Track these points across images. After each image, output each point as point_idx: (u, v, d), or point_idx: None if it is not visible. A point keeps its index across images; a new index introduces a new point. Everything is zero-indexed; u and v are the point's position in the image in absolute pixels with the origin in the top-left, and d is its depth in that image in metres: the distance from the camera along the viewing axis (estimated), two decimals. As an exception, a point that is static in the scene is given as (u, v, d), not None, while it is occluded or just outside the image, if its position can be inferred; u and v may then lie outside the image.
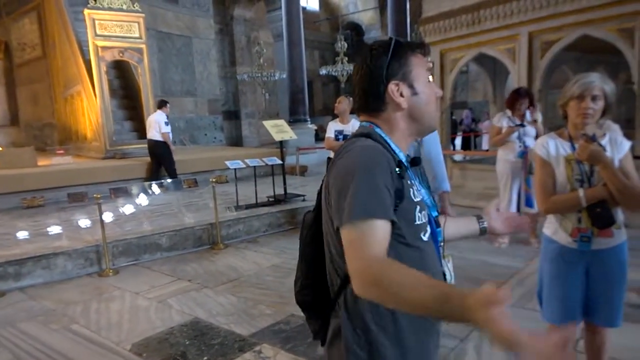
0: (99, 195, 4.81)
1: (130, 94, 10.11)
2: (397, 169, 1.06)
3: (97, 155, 8.89)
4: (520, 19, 6.23)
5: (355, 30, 25.34)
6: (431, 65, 1.17)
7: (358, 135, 1.15)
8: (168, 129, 8.02)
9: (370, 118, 1.18)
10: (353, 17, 24.89)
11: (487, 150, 9.68)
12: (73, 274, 4.61)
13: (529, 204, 4.89)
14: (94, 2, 8.50)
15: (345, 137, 4.95)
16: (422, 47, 1.18)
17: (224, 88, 18.71)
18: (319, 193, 1.21)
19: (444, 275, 1.23)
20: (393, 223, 1.02)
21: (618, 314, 2.05)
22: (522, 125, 4.76)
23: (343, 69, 18.86)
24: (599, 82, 1.94)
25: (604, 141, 2.00)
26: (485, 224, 1.40)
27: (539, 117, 4.93)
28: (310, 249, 1.21)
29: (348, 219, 0.99)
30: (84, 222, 5.58)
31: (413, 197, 1.10)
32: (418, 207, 1.11)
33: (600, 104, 1.95)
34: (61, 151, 8.79)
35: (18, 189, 6.79)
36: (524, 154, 4.78)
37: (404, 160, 1.14)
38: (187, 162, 8.76)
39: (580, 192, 1.95)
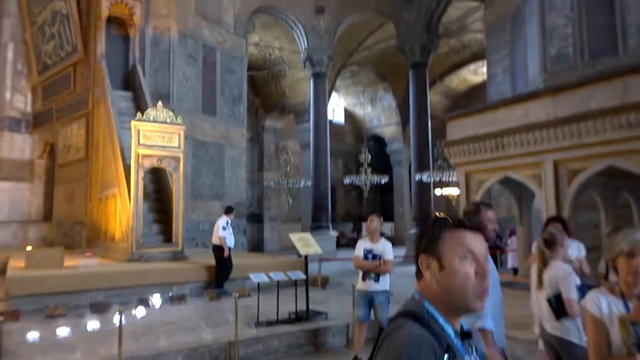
0: (121, 308, 4.76)
1: (162, 197, 10.44)
2: (445, 355, 1.05)
3: (123, 257, 8.97)
4: (545, 147, 6.42)
5: (378, 142, 26.39)
6: (478, 246, 1.18)
7: (407, 313, 1.15)
8: (225, 233, 8.40)
9: (420, 285, 1.23)
10: (376, 130, 26.03)
11: (516, 274, 9.41)
12: (84, 391, 4.42)
13: None
14: (141, 115, 9.15)
15: (374, 256, 4.91)
16: (461, 225, 1.21)
17: (250, 192, 19.25)
18: None
19: None
20: None
21: None
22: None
23: (366, 178, 19.32)
24: None
25: None
26: None
27: (580, 251, 4.75)
28: None
29: None
30: (102, 334, 5.47)
31: None
32: None
33: None
34: (89, 253, 8.92)
35: (43, 291, 6.79)
36: None
37: (452, 337, 1.13)
38: (209, 269, 8.72)
39: (638, 358, 1.84)
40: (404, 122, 23.51)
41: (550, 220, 4.82)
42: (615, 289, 2.00)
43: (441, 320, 1.14)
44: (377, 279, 4.93)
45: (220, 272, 8.34)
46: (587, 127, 5.94)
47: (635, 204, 8.52)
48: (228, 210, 8.95)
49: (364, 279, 4.94)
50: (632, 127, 5.51)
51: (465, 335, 1.19)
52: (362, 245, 5.05)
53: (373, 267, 4.90)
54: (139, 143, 8.98)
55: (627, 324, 1.89)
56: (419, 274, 1.23)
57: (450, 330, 1.14)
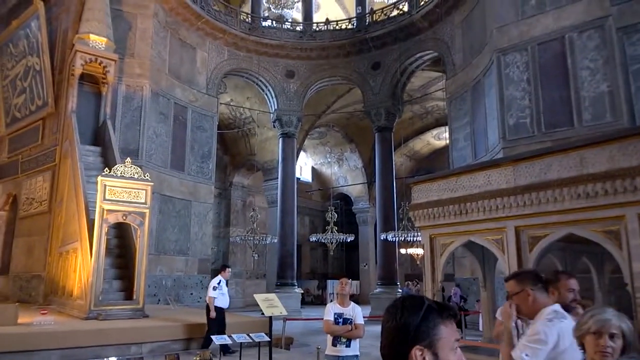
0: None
1: (125, 252, 10.17)
2: None
3: (80, 314, 8.57)
4: (506, 214, 6.69)
5: (344, 200, 26.77)
6: (459, 337, 1.21)
7: None
8: (215, 293, 8.25)
9: None
10: (343, 189, 26.48)
11: (482, 337, 9.48)
12: None
13: None
14: (108, 170, 9.10)
15: (345, 320, 4.87)
16: (453, 315, 1.21)
17: (215, 247, 18.96)
18: None
19: None
20: None
21: None
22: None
23: (332, 237, 19.41)
24: (616, 320, 1.92)
25: None
26: None
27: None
28: None
29: None
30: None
31: None
32: None
33: (619, 343, 1.90)
34: (45, 311, 8.47)
35: (-5, 350, 6.41)
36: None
37: None
38: (170, 329, 8.44)
39: None
40: (370, 182, 24.09)
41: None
42: None
43: None
44: (348, 344, 4.84)
45: (207, 332, 8.05)
46: (546, 196, 6.24)
47: (594, 269, 8.86)
48: (222, 269, 8.77)
49: (334, 344, 4.84)
50: (589, 197, 5.82)
51: None
52: (332, 309, 4.93)
53: (345, 333, 4.82)
54: (104, 198, 8.86)
55: None
56: None
57: None
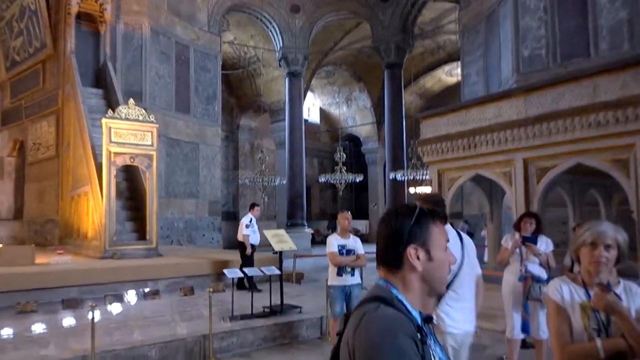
0: (93, 304, 4.71)
1: (135, 195, 10.30)
2: (419, 335, 1.12)
3: (96, 254, 8.83)
4: (515, 146, 6.61)
5: (353, 141, 26.59)
6: (449, 239, 1.30)
7: (377, 298, 1.20)
8: (248, 231, 8.47)
9: (387, 274, 1.26)
10: (351, 130, 26.22)
11: (486, 264, 9.64)
12: (57, 386, 4.35)
13: (526, 330, 4.75)
14: (112, 112, 9.01)
15: (348, 251, 4.99)
16: (443, 217, 1.31)
17: (225, 190, 19.13)
18: (335, 349, 1.23)
19: None
20: None
21: None
22: (527, 239, 4.78)
23: (341, 177, 19.46)
24: (612, 232, 1.97)
25: (619, 289, 2.00)
26: None
27: (548, 246, 4.93)
28: None
29: None
30: (74, 330, 5.39)
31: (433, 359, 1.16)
32: None
33: (613, 253, 1.96)
34: (61, 251, 8.72)
35: (13, 288, 6.64)
36: (525, 278, 4.75)
37: (420, 322, 1.19)
38: (183, 266, 8.67)
39: (598, 343, 1.90)
40: (379, 122, 23.77)
41: (524, 216, 4.98)
42: (577, 278, 2.08)
43: (409, 306, 1.21)
44: (352, 273, 5.04)
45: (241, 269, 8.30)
46: (557, 126, 6.14)
47: (602, 201, 8.84)
48: (252, 207, 8.94)
49: (339, 274, 4.98)
50: (600, 126, 5.72)
51: (427, 319, 1.26)
52: (335, 241, 5.06)
53: (351, 262, 4.97)
54: (110, 141, 8.84)
55: (589, 310, 1.97)
56: (387, 263, 1.26)
57: (416, 314, 1.21)
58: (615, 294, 1.95)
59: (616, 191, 8.20)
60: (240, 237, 8.68)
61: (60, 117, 11.64)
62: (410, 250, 1.22)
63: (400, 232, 1.24)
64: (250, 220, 8.69)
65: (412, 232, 1.23)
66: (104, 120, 8.86)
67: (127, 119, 8.96)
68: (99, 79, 12.16)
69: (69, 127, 11.07)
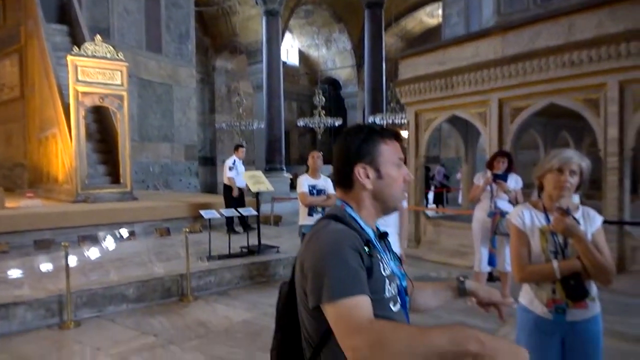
0: (66, 244, 4.68)
1: (106, 138, 10.03)
2: (365, 248, 1.13)
3: (68, 198, 8.68)
4: (491, 86, 6.57)
5: (332, 84, 26.15)
6: (403, 157, 1.30)
7: (330, 217, 1.22)
8: (232, 173, 8.46)
9: (343, 195, 1.28)
10: (331, 73, 25.73)
11: (460, 206, 9.88)
12: (32, 325, 4.38)
13: (492, 263, 5.01)
14: (77, 49, 8.57)
15: (319, 191, 4.99)
16: (395, 136, 1.29)
17: (201, 135, 18.81)
18: (294, 267, 1.25)
19: None
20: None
21: None
22: (498, 176, 4.90)
23: (320, 121, 19.28)
24: (577, 158, 2.04)
25: (578, 215, 2.07)
26: (466, 284, 1.45)
27: (517, 184, 5.05)
28: (286, 319, 1.22)
29: (330, 299, 1.04)
30: (48, 270, 5.38)
31: (382, 272, 1.18)
32: (387, 281, 1.19)
33: (576, 179, 2.04)
34: (30, 194, 8.54)
35: (-18, 231, 6.54)
36: (494, 214, 4.92)
37: (372, 237, 1.22)
38: (159, 209, 8.64)
39: (555, 264, 2.00)
40: (359, 65, 23.33)
41: (496, 155, 5.08)
42: (538, 204, 2.16)
43: (362, 222, 1.23)
44: (323, 213, 5.06)
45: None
46: (532, 66, 6.11)
47: (573, 143, 9.02)
48: (236, 149, 8.88)
49: (310, 214, 4.98)
50: (574, 65, 5.72)
51: (382, 235, 1.30)
52: (306, 181, 5.04)
53: (321, 202, 4.96)
54: (77, 80, 8.45)
55: (547, 234, 2.06)
56: (341, 184, 1.28)
57: (369, 231, 1.23)
58: (574, 218, 2.02)
59: (587, 134, 8.34)
60: (225, 180, 8.68)
61: (24, 56, 11.04)
62: (359, 169, 1.22)
63: (349, 151, 1.24)
64: (234, 162, 8.63)
65: (360, 151, 1.23)
66: (69, 58, 8.44)
67: (94, 57, 8.55)
68: (64, 15, 11.48)
69: (33, 66, 10.54)
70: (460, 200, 10.74)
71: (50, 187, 9.78)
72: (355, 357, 0.99)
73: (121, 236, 7.47)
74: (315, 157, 5.11)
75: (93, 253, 6.28)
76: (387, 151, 1.25)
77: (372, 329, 0.99)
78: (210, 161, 21.03)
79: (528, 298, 2.14)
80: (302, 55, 26.23)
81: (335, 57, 25.08)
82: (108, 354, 3.81)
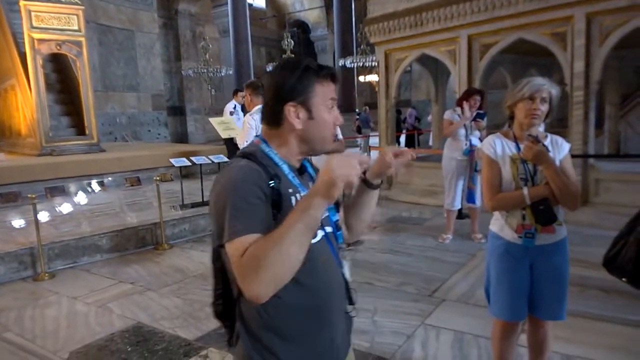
0: (33, 195, 4.58)
1: (68, 88, 9.60)
2: (270, 182, 1.11)
3: (32, 152, 8.40)
4: (460, 22, 6.50)
5: (301, 28, 25.39)
6: (335, 98, 1.23)
7: (239, 155, 1.20)
8: (231, 118, 7.93)
9: (267, 131, 1.24)
10: (299, 16, 24.93)
11: (431, 147, 10.02)
12: (5, 278, 4.36)
13: (471, 200, 5.10)
14: (29, -8, 8.02)
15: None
16: (331, 75, 1.22)
17: (168, 83, 18.19)
18: None
19: (343, 275, 1.28)
20: None
21: (562, 308, 2.16)
22: (478, 114, 4.93)
23: (290, 66, 18.84)
24: (548, 86, 2.06)
25: (547, 142, 2.12)
26: (368, 176, 1.36)
27: (484, 123, 5.11)
28: (218, 262, 1.18)
29: (228, 237, 1.04)
30: (17, 224, 5.30)
31: (294, 204, 1.14)
32: None
33: (546, 107, 2.06)
34: (-8, 149, 8.24)
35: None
36: (470, 152, 4.96)
37: (286, 171, 1.19)
38: (129, 160, 8.46)
39: (525, 190, 2.06)
40: (328, 6, 22.61)
41: (472, 93, 5.04)
42: (509, 134, 2.20)
43: (276, 158, 1.20)
44: None
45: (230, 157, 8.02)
46: (500, 1, 6.05)
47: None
48: (235, 93, 8.42)
49: None
50: (542, -1, 5.68)
51: (301, 171, 1.26)
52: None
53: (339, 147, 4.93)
54: (31, 26, 7.96)
55: (518, 162, 2.12)
56: (268, 120, 1.23)
57: (284, 166, 1.20)
58: (544, 145, 2.07)
59: (555, 70, 8.41)
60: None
61: (-30, 2, 10.28)
62: (289, 108, 1.17)
63: (282, 88, 1.17)
64: (234, 107, 8.27)
65: (292, 89, 1.16)
66: (21, 3, 7.89)
67: (47, 0, 8.03)
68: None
69: (-19, 13, 9.84)
70: (431, 142, 10.86)
71: (14, 141, 9.44)
72: (252, 296, 0.99)
73: (91, 188, 7.34)
74: None
75: (63, 205, 6.18)
76: (322, 92, 1.19)
77: (247, 260, 0.99)
78: (179, 110, 20.47)
79: (498, 225, 2.22)
80: (269, -3, 25.22)
81: (303, -2, 24.21)
82: (85, 302, 3.85)
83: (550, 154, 2.06)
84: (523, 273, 2.15)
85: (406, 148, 1.35)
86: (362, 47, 16.20)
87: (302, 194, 1.18)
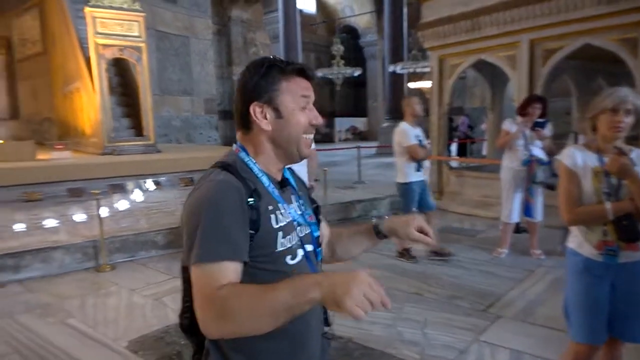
0: (97, 191, 4.81)
1: (128, 91, 10.05)
2: (250, 199, 1.04)
3: (96, 151, 8.85)
4: (521, 26, 6.27)
5: (351, 33, 25.47)
6: (312, 96, 1.17)
7: (217, 165, 1.13)
8: None
9: (242, 137, 1.18)
10: (349, 21, 25.02)
11: (484, 157, 9.73)
12: (70, 268, 4.59)
13: (528, 213, 4.83)
14: (95, 0, 8.47)
15: (420, 142, 4.82)
16: (302, 71, 1.15)
17: (220, 88, 18.69)
18: None
19: None
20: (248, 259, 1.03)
21: None
22: (537, 123, 4.69)
23: (339, 72, 18.92)
24: (633, 97, 1.96)
25: (632, 155, 2.02)
26: (381, 226, 1.30)
27: (550, 131, 4.87)
28: (187, 273, 1.09)
29: (196, 260, 0.99)
30: (82, 218, 5.56)
31: (274, 224, 1.09)
32: (281, 233, 1.10)
33: (631, 120, 1.96)
34: (60, 145, 8.70)
35: (17, 182, 6.72)
36: (529, 162, 4.68)
37: (266, 184, 1.13)
38: (184, 161, 8.73)
39: (608, 205, 1.96)
40: (379, 11, 22.55)
41: (532, 101, 4.78)
42: (591, 146, 2.09)
43: (255, 168, 1.14)
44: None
45: None
46: (566, 4, 5.79)
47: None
48: None
49: (418, 169, 4.81)
50: (610, 3, 5.41)
51: (282, 183, 1.19)
52: (411, 131, 4.76)
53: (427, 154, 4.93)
54: (96, 32, 8.41)
55: (601, 175, 2.01)
56: (239, 125, 1.17)
57: (264, 178, 1.13)
58: (630, 159, 1.98)
59: (624, 79, 7.98)
60: None
61: (43, 9, 10.95)
62: (255, 108, 1.12)
63: (246, 88, 1.13)
64: None
65: (256, 88, 1.11)
66: (87, 10, 8.35)
67: (110, 8, 8.45)
68: (77, -34, 11.26)
69: (52, 20, 10.47)
70: (484, 151, 10.56)
71: (78, 140, 9.95)
72: (204, 330, 0.96)
73: (147, 187, 7.62)
74: (414, 103, 4.82)
75: (122, 202, 6.45)
76: (289, 89, 1.12)
77: (214, 301, 0.93)
78: (229, 115, 20.94)
79: (577, 241, 2.12)
80: (320, 3, 25.45)
81: (353, 3, 24.27)
82: (142, 295, 3.99)
83: (637, 168, 1.95)
84: (603, 291, 2.03)
85: (430, 230, 1.25)
86: (412, 52, 16.03)
87: (283, 210, 1.13)
